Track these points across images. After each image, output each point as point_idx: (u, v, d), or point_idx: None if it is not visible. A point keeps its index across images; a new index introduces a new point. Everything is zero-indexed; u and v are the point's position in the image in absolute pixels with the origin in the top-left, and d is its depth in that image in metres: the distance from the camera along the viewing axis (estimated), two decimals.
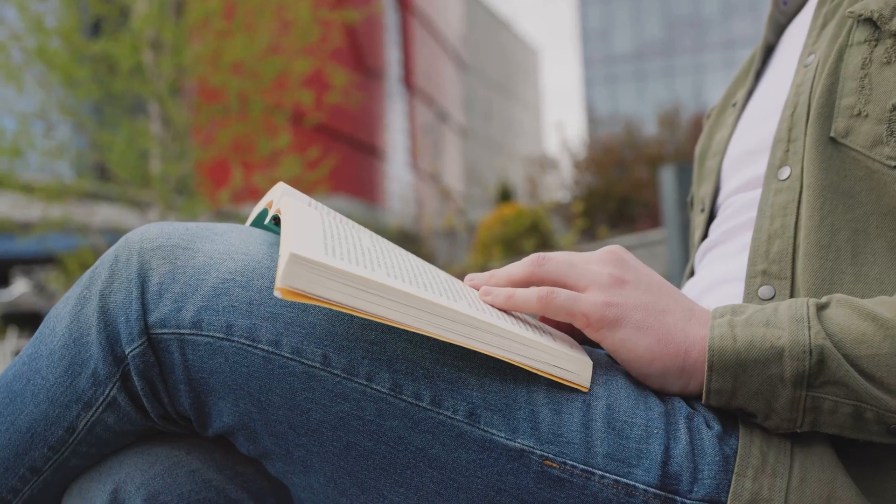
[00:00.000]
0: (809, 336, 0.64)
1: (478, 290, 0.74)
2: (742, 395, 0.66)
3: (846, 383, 0.63)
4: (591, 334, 0.70)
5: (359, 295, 0.60)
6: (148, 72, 9.43)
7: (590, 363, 0.68)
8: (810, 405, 0.64)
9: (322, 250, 0.61)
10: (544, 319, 0.78)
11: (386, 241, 0.77)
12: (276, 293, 0.58)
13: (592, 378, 0.68)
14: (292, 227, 0.63)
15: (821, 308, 0.66)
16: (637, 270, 0.72)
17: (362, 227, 0.81)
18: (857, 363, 0.63)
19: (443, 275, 0.73)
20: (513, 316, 0.71)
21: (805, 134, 0.77)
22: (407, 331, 0.66)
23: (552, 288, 0.70)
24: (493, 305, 0.70)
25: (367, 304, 0.60)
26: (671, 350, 0.68)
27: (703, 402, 0.68)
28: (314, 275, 0.58)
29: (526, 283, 0.73)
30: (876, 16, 0.74)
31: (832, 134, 0.74)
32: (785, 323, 0.65)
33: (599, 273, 0.71)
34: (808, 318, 0.65)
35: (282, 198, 0.72)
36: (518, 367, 0.67)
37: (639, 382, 0.69)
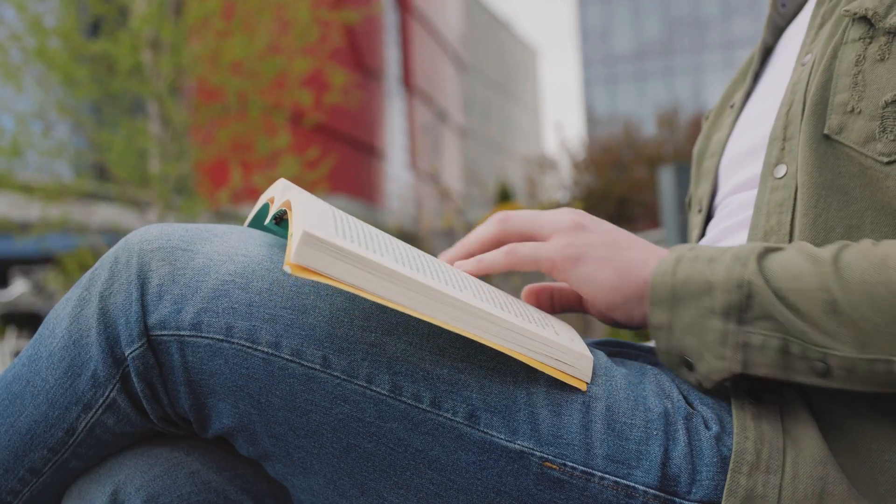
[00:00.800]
0: (743, 272, 0.66)
1: (456, 258, 0.79)
2: (678, 330, 0.69)
3: (774, 317, 0.65)
4: (558, 276, 0.75)
5: (366, 277, 0.60)
6: (147, 71, 9.42)
7: (590, 358, 0.69)
8: (742, 341, 0.66)
9: (333, 233, 0.61)
10: (542, 305, 0.83)
11: (391, 236, 0.78)
12: (286, 268, 0.58)
13: (592, 380, 0.68)
14: (304, 210, 0.63)
15: (772, 251, 0.68)
16: (597, 220, 0.78)
17: (368, 225, 0.82)
18: (785, 297, 0.64)
19: (448, 267, 0.73)
20: (516, 309, 0.71)
21: (800, 131, 0.77)
22: (407, 333, 0.66)
23: (515, 243, 0.77)
24: (467, 272, 0.74)
25: (373, 286, 0.61)
26: (631, 281, 0.73)
27: (655, 347, 0.72)
28: (325, 254, 0.59)
29: (495, 242, 0.79)
30: (871, 13, 0.74)
31: (826, 131, 0.74)
32: (727, 261, 0.68)
33: (561, 219, 0.77)
34: (748, 257, 0.67)
35: (287, 190, 0.73)
36: (518, 366, 0.67)
37: (638, 383, 0.70)
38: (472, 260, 0.77)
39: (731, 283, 0.66)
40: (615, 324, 0.79)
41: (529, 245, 0.76)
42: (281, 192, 0.73)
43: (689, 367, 0.70)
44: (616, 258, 0.74)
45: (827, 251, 0.66)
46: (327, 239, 0.59)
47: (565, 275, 0.74)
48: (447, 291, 0.63)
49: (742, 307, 0.66)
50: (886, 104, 0.71)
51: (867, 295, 0.62)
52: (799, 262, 0.66)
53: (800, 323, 0.64)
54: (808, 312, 0.64)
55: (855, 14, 0.76)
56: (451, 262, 0.80)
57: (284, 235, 0.77)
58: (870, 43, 0.74)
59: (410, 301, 0.62)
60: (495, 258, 0.76)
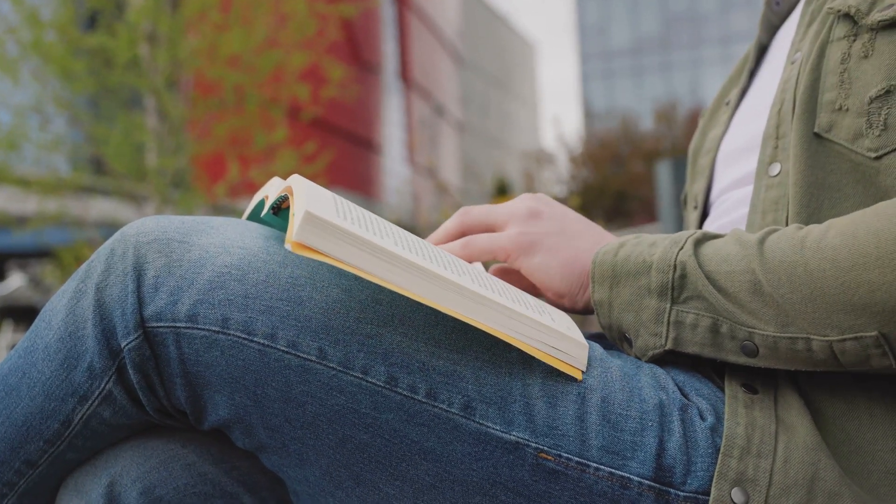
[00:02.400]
0: (677, 254, 0.70)
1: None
2: (617, 307, 0.74)
3: (705, 297, 0.68)
4: (513, 264, 0.80)
5: (365, 258, 0.61)
6: (144, 65, 9.41)
7: (586, 346, 0.69)
8: (675, 319, 0.70)
9: (335, 215, 0.62)
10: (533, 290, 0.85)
11: (391, 224, 0.78)
12: (288, 246, 0.59)
13: (587, 371, 0.68)
14: (306, 193, 0.64)
15: (711, 237, 0.72)
16: (552, 205, 0.82)
17: (368, 212, 0.82)
18: (715, 280, 0.68)
19: (447, 255, 0.74)
20: (512, 295, 0.71)
21: (792, 130, 0.77)
22: (402, 324, 0.66)
23: (472, 235, 0.82)
24: None
25: (372, 267, 0.61)
26: (577, 268, 0.79)
27: (597, 320, 0.76)
28: (326, 234, 0.60)
29: (458, 234, 0.84)
30: (853, 11, 0.75)
31: (816, 129, 0.75)
32: (665, 244, 0.72)
33: (518, 207, 0.82)
34: (684, 241, 0.71)
35: (286, 181, 0.73)
36: (514, 358, 0.68)
37: (633, 375, 0.70)
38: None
39: (665, 264, 0.70)
40: (563, 310, 0.83)
41: (484, 236, 0.81)
42: (277, 187, 0.73)
43: (629, 343, 0.75)
44: (565, 247, 0.79)
45: (756, 235, 0.69)
46: (328, 219, 0.60)
47: (518, 263, 0.80)
48: (445, 275, 0.64)
49: (676, 286, 0.70)
50: (871, 100, 0.72)
51: (787, 275, 0.64)
52: (729, 245, 0.69)
53: (727, 303, 0.67)
54: (735, 293, 0.67)
55: (839, 11, 0.76)
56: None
57: (282, 226, 0.77)
58: (854, 40, 0.75)
59: (407, 283, 0.62)
60: (453, 250, 0.81)
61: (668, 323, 0.70)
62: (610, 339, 0.77)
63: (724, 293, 0.67)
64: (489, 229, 0.83)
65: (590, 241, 0.80)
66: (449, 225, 0.84)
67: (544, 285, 0.79)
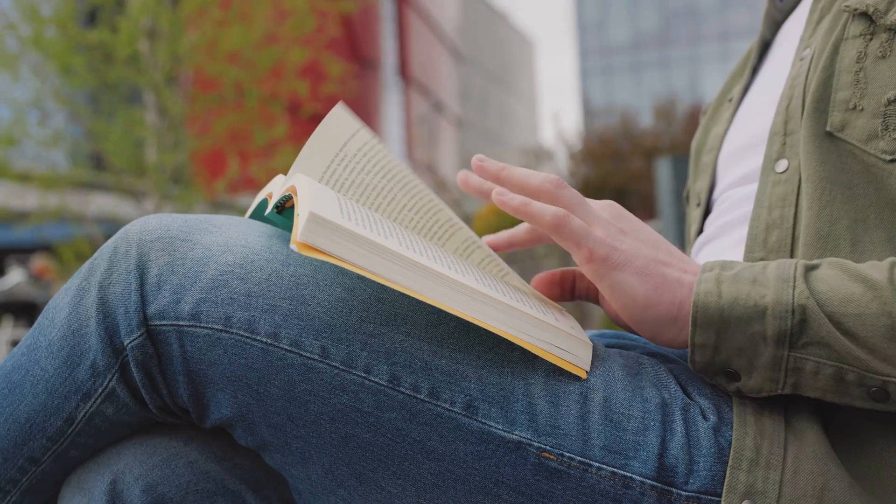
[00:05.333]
0: (793, 295, 0.64)
1: (489, 176, 0.73)
2: (725, 351, 0.67)
3: (828, 344, 0.63)
4: (589, 271, 0.69)
5: (370, 258, 0.61)
6: (144, 61, 9.40)
7: (590, 345, 0.69)
8: (792, 366, 0.65)
9: (339, 215, 0.62)
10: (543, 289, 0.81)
11: (394, 223, 0.77)
12: (293, 247, 0.59)
13: (590, 370, 0.68)
14: (310, 193, 0.64)
15: (810, 269, 0.66)
16: (635, 224, 0.73)
17: (372, 211, 0.81)
18: (841, 323, 0.63)
19: (449, 254, 0.73)
20: (517, 294, 0.71)
21: (801, 127, 0.77)
22: (405, 323, 0.67)
23: (568, 212, 0.69)
24: (504, 204, 0.69)
25: (376, 266, 0.62)
26: (667, 299, 0.69)
27: (689, 359, 0.68)
28: (331, 234, 0.60)
29: (536, 197, 0.72)
30: (871, 10, 0.74)
31: (828, 128, 0.74)
32: (771, 281, 0.65)
33: (606, 218, 0.72)
34: (795, 277, 0.65)
35: (290, 179, 0.73)
36: (516, 357, 0.67)
37: (636, 374, 0.70)
38: (517, 197, 0.69)
39: (782, 308, 0.64)
40: (629, 331, 0.77)
41: (580, 223, 0.68)
42: (282, 185, 0.73)
43: (731, 378, 0.68)
44: (654, 272, 0.69)
45: (877, 271, 0.64)
46: (333, 220, 0.60)
47: (600, 273, 0.69)
48: (450, 275, 0.64)
49: (794, 332, 0.64)
50: (889, 102, 0.72)
51: None
52: (845, 283, 0.64)
53: (857, 350, 0.63)
54: (867, 338, 0.62)
55: (855, 10, 0.75)
56: (485, 176, 0.74)
57: (285, 225, 0.77)
58: (871, 39, 0.74)
59: (412, 283, 0.62)
60: (543, 214, 0.68)
61: (786, 370, 0.65)
62: (703, 374, 0.70)
63: (853, 338, 0.62)
64: (574, 209, 0.71)
65: (678, 269, 0.70)
66: (532, 181, 0.72)
67: (625, 307, 0.70)
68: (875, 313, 0.62)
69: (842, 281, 0.64)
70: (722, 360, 0.67)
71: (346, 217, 0.63)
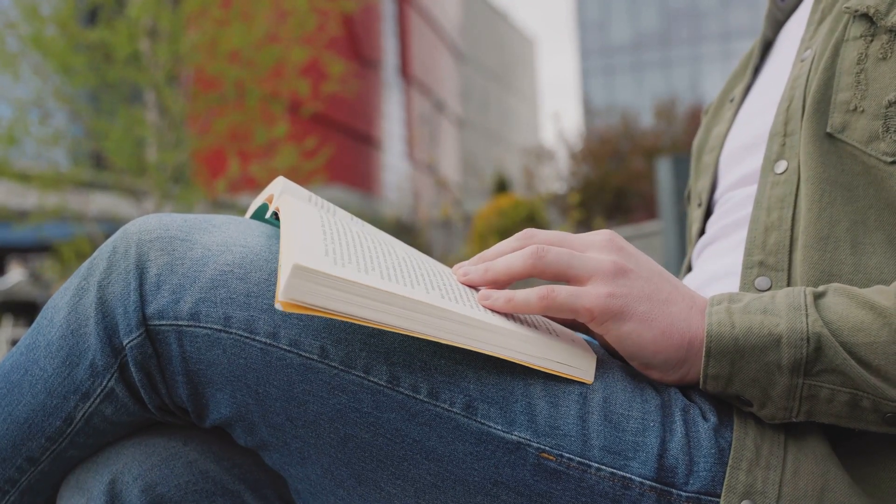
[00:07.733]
0: (807, 324, 0.63)
1: (472, 287, 0.72)
2: (739, 382, 0.66)
3: (843, 371, 0.63)
4: (595, 328, 0.68)
5: (361, 303, 0.60)
6: (144, 60, 9.41)
7: (593, 357, 0.68)
8: (807, 393, 0.64)
9: (322, 254, 0.61)
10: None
11: (379, 234, 0.77)
12: (277, 306, 0.58)
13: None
14: (292, 233, 0.63)
15: (818, 297, 0.66)
16: (637, 258, 0.71)
17: (356, 219, 0.81)
18: (854, 351, 0.63)
19: (438, 268, 0.73)
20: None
21: (801, 128, 0.77)
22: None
23: (551, 287, 0.68)
24: (492, 308, 0.69)
25: (369, 312, 0.60)
26: (675, 341, 0.67)
27: (700, 386, 0.67)
28: (316, 285, 0.59)
29: (526, 276, 0.70)
30: (872, 11, 0.74)
31: (829, 129, 0.74)
32: (783, 311, 0.65)
33: (601, 261, 0.68)
34: (806, 306, 0.64)
35: (281, 195, 0.72)
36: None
37: (635, 374, 0.70)
38: (501, 296, 0.69)
39: (797, 337, 0.63)
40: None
41: (567, 292, 0.67)
42: (278, 194, 0.73)
43: (746, 404, 0.68)
44: (660, 315, 0.67)
45: (884, 297, 0.64)
46: (317, 268, 0.59)
47: (604, 328, 0.67)
48: (445, 306, 0.63)
49: (809, 360, 0.63)
50: (889, 104, 0.71)
51: None
52: (853, 310, 0.64)
53: (871, 378, 0.62)
54: (880, 367, 0.62)
55: (856, 11, 0.75)
56: (474, 285, 0.72)
57: None
58: (871, 41, 0.74)
59: (407, 322, 0.61)
60: (529, 301, 0.67)
61: (800, 398, 0.65)
62: (719, 397, 0.69)
63: (867, 367, 0.62)
64: (564, 279, 0.70)
65: (682, 307, 0.68)
66: (515, 266, 0.70)
67: (633, 355, 0.68)
68: (886, 341, 0.62)
69: (850, 309, 0.64)
70: (734, 391, 0.66)
71: (331, 255, 0.62)
